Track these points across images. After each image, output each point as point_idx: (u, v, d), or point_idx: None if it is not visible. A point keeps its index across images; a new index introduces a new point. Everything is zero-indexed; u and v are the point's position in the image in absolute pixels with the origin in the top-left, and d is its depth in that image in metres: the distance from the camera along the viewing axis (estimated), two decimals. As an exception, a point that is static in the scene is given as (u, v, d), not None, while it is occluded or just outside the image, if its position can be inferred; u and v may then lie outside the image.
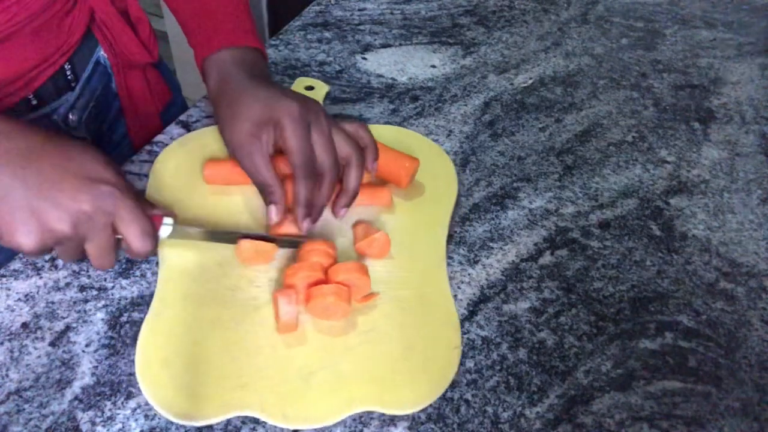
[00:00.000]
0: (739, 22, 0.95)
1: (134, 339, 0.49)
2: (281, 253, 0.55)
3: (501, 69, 0.82)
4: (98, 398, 0.46)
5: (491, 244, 0.60)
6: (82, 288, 0.52)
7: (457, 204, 0.63)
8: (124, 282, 0.53)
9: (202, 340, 0.49)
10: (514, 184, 0.66)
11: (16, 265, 0.54)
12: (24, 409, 0.45)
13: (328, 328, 0.51)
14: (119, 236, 0.47)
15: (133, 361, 0.48)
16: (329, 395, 0.46)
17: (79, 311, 0.51)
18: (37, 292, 0.52)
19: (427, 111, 0.74)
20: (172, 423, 0.45)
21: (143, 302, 0.52)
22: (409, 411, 0.46)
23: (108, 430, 0.44)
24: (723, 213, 0.65)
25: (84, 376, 0.47)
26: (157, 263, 0.55)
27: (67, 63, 0.63)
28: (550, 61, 0.84)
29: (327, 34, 0.85)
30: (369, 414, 0.46)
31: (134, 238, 0.46)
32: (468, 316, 0.53)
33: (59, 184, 0.43)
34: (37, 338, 0.49)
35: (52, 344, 0.49)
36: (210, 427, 0.45)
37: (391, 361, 0.49)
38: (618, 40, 0.90)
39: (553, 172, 0.68)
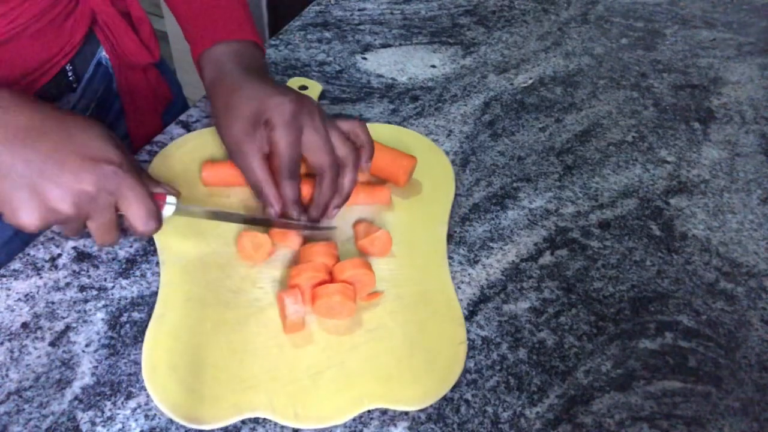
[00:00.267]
0: (739, 22, 0.95)
1: (134, 339, 0.49)
2: (282, 254, 0.55)
3: (501, 69, 0.82)
4: (98, 398, 0.46)
5: (491, 244, 0.60)
6: (82, 288, 0.52)
7: (455, 201, 0.63)
8: (124, 282, 0.53)
9: (207, 343, 0.49)
10: (514, 184, 0.66)
11: (16, 265, 0.54)
12: (24, 409, 0.45)
13: (333, 327, 0.51)
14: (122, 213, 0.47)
15: (133, 361, 0.48)
16: (338, 394, 0.47)
17: (79, 311, 0.51)
18: (37, 292, 0.52)
19: (427, 111, 0.74)
20: (172, 423, 0.45)
21: (143, 302, 0.52)
22: (417, 407, 0.46)
23: (108, 430, 0.44)
24: (723, 213, 0.65)
25: (84, 376, 0.47)
26: (158, 263, 0.55)
27: (69, 64, 0.63)
28: (550, 61, 0.84)
29: (327, 34, 0.85)
30: (369, 414, 0.46)
31: (137, 218, 0.46)
32: (468, 316, 0.53)
33: (61, 164, 0.43)
34: (37, 338, 0.49)
35: (52, 344, 0.49)
36: (212, 429, 0.45)
37: (397, 358, 0.49)
38: (618, 40, 0.90)
39: (553, 172, 0.68)
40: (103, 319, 0.51)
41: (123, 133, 0.75)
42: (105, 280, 0.53)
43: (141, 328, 0.50)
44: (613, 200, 0.65)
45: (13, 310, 0.51)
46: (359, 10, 0.91)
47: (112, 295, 0.52)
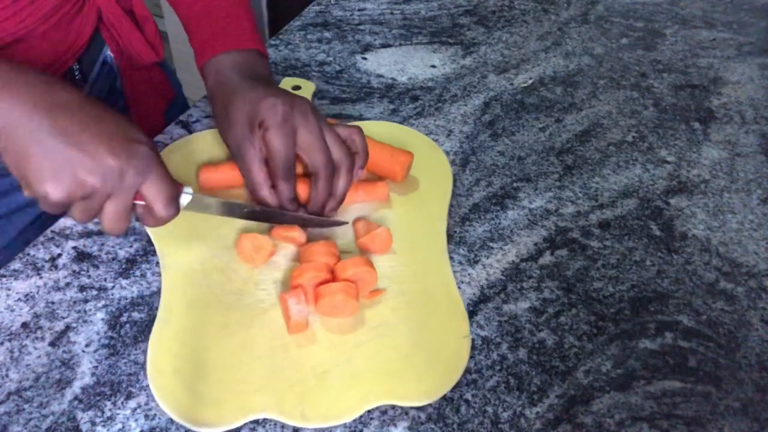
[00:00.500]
0: (739, 22, 0.95)
1: (134, 339, 0.49)
2: (284, 254, 0.55)
3: (501, 69, 0.82)
4: (98, 398, 0.46)
5: (491, 244, 0.60)
6: (82, 288, 0.52)
7: (456, 201, 0.63)
8: (124, 282, 0.53)
9: (212, 346, 0.49)
10: (514, 184, 0.66)
11: (16, 265, 0.54)
12: (24, 409, 0.45)
13: (337, 326, 0.51)
14: (138, 203, 0.46)
15: (133, 361, 0.48)
16: (345, 392, 0.47)
17: (79, 311, 0.51)
18: (37, 292, 0.52)
19: (427, 111, 0.74)
20: (172, 423, 0.45)
21: (143, 302, 0.52)
22: (424, 402, 0.47)
23: (108, 430, 0.44)
24: (723, 213, 0.65)
25: (84, 376, 0.47)
26: (158, 263, 0.55)
27: (76, 63, 0.64)
28: (550, 61, 0.84)
29: (327, 34, 0.85)
30: (369, 414, 0.46)
31: (161, 200, 0.46)
32: (468, 316, 0.53)
33: (98, 138, 0.43)
34: (37, 338, 0.49)
35: (52, 344, 0.49)
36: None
37: (402, 354, 0.49)
38: (618, 40, 0.90)
39: (553, 172, 0.68)
40: (103, 319, 0.51)
41: None
42: (105, 280, 0.53)
43: (141, 328, 0.50)
44: (613, 200, 0.65)
45: (13, 310, 0.51)
46: (359, 10, 0.91)
47: (112, 295, 0.52)
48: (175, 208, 0.47)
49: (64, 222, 0.57)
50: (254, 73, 0.59)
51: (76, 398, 0.46)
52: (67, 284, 0.53)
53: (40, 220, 0.67)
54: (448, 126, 0.72)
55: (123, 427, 0.44)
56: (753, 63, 0.87)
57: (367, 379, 0.47)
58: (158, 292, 0.53)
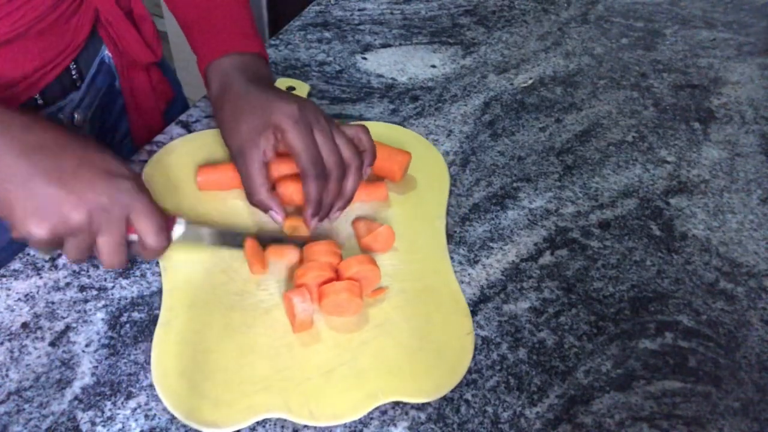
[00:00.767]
0: (739, 22, 0.95)
1: (134, 339, 0.49)
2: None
3: (501, 69, 0.82)
4: (98, 398, 0.46)
5: (491, 244, 0.60)
6: (82, 288, 0.52)
7: (456, 201, 0.63)
8: (124, 282, 0.53)
9: (216, 347, 0.49)
10: (514, 184, 0.66)
11: (16, 265, 0.54)
12: (24, 409, 0.45)
13: (341, 324, 0.51)
14: (131, 237, 0.47)
15: (133, 361, 0.48)
16: (351, 390, 0.47)
17: (79, 311, 0.51)
18: (37, 292, 0.52)
19: (427, 111, 0.74)
20: (172, 423, 0.45)
21: (143, 302, 0.52)
22: (431, 398, 0.47)
23: (108, 430, 0.44)
24: (723, 213, 0.65)
25: (84, 376, 0.47)
26: (157, 263, 0.55)
27: (73, 63, 0.64)
28: (550, 61, 0.84)
29: (327, 34, 0.85)
30: (368, 414, 0.46)
31: (150, 233, 0.46)
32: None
33: (79, 174, 0.43)
34: (37, 338, 0.49)
35: (52, 344, 0.49)
36: (210, 427, 0.45)
37: (407, 352, 0.49)
38: (618, 40, 0.90)
39: (553, 172, 0.68)
40: (103, 319, 0.51)
41: (125, 132, 0.75)
42: (105, 280, 0.53)
43: (141, 328, 0.50)
44: (613, 200, 0.65)
45: (13, 310, 0.51)
46: (359, 10, 0.91)
47: (112, 295, 0.52)
48: (165, 238, 0.48)
49: (64, 222, 0.57)
50: (257, 75, 0.59)
51: (76, 398, 0.46)
52: (67, 284, 0.53)
53: None
54: (448, 126, 0.72)
55: (123, 427, 0.44)
56: (753, 63, 0.87)
57: (372, 377, 0.48)
58: (158, 292, 0.53)
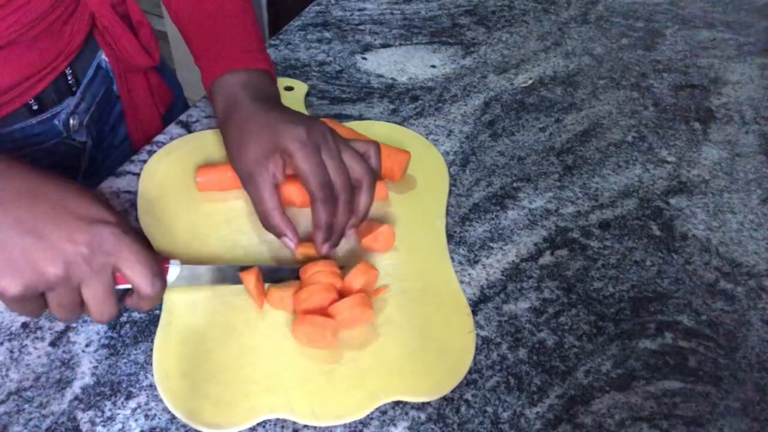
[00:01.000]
0: (739, 22, 0.95)
1: (134, 339, 0.49)
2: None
3: (501, 69, 0.82)
4: (98, 398, 0.46)
5: (491, 244, 0.60)
6: (82, 288, 0.52)
7: (456, 201, 0.63)
8: (124, 282, 0.53)
9: (217, 348, 0.48)
10: (514, 184, 0.66)
11: (16, 265, 0.54)
12: (24, 409, 0.45)
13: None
14: (122, 287, 0.45)
15: (133, 361, 0.48)
16: (354, 390, 0.47)
17: (79, 311, 0.51)
18: (37, 292, 0.52)
19: (427, 111, 0.74)
20: (172, 423, 0.45)
21: (143, 302, 0.52)
22: (434, 398, 0.47)
23: (108, 430, 0.44)
24: (723, 213, 0.65)
25: (84, 376, 0.47)
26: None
27: (68, 68, 0.63)
28: (550, 61, 0.84)
29: (327, 34, 0.85)
30: (369, 414, 0.46)
31: (141, 278, 0.43)
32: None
33: (55, 224, 0.41)
34: (37, 338, 0.49)
35: (52, 344, 0.49)
36: (210, 427, 0.45)
37: (409, 351, 0.49)
38: (618, 40, 0.90)
39: (553, 172, 0.68)
40: (103, 319, 0.51)
41: (123, 135, 0.75)
42: (105, 280, 0.53)
43: (141, 328, 0.50)
44: (613, 200, 0.65)
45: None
46: (359, 10, 0.91)
47: (112, 295, 0.52)
48: (160, 282, 0.44)
49: (64, 222, 0.57)
50: (264, 94, 0.57)
51: (76, 398, 0.46)
52: (67, 284, 0.53)
53: None
54: (448, 126, 0.72)
55: (123, 427, 0.44)
56: (753, 63, 0.87)
57: (375, 377, 0.48)
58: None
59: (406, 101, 0.75)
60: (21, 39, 0.56)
